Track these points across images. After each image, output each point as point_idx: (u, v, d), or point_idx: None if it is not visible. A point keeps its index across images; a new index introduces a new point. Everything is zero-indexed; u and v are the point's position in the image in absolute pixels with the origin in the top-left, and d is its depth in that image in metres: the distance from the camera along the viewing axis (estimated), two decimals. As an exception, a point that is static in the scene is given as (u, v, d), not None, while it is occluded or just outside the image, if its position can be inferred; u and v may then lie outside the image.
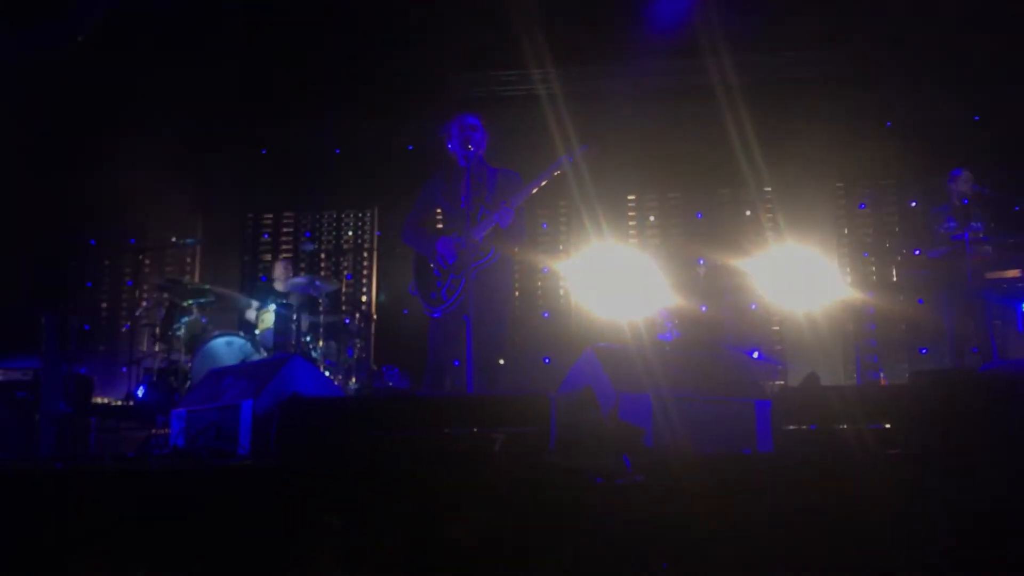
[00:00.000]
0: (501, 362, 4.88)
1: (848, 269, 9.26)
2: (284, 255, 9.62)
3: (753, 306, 8.77)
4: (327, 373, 7.34)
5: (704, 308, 8.24)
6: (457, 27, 7.96)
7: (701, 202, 9.63)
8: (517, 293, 9.38)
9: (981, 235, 6.85)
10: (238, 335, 7.39)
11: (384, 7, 7.98)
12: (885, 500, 2.55)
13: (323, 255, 10.09)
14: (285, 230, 10.23)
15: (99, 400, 7.57)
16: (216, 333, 7.34)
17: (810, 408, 4.09)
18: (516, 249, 4.96)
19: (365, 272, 10.02)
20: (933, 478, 2.65)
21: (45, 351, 5.78)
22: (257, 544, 2.67)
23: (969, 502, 2.55)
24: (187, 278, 8.99)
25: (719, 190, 9.54)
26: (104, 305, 10.09)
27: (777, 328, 9.07)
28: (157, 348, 7.81)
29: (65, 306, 8.48)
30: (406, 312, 8.98)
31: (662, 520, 2.54)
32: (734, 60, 8.39)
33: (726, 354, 5.47)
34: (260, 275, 9.78)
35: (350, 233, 10.15)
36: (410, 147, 9.40)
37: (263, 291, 8.25)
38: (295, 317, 7.52)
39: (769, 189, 9.15)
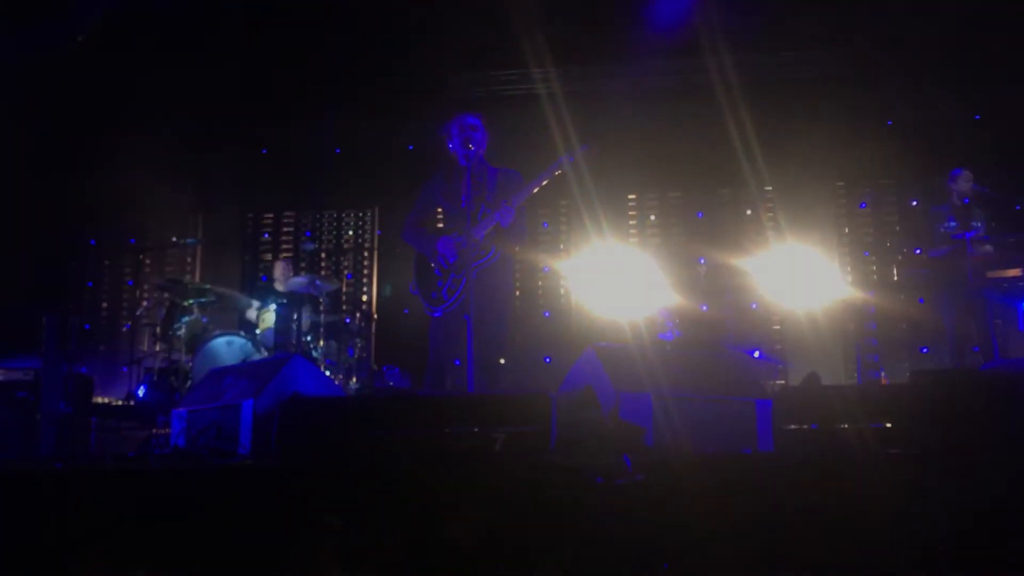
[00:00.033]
0: (502, 361, 4.89)
1: (849, 268, 9.26)
2: (284, 255, 9.62)
3: (754, 305, 8.77)
4: (328, 373, 7.34)
5: (705, 307, 8.24)
6: (457, 27, 7.96)
7: (702, 201, 9.63)
8: (518, 292, 9.38)
9: (982, 234, 6.86)
10: (239, 335, 7.39)
11: (384, 7, 7.98)
12: (885, 500, 2.55)
13: (323, 255, 10.09)
14: (285, 230, 10.23)
15: (100, 400, 7.57)
16: (217, 333, 7.34)
17: (811, 407, 4.08)
18: (517, 248, 4.96)
19: (366, 272, 10.02)
20: (933, 478, 2.65)
21: (45, 351, 5.77)
22: (257, 544, 2.67)
23: (969, 502, 2.55)
24: (188, 278, 9.00)
25: (720, 189, 9.55)
26: (105, 305, 10.10)
27: (778, 327, 9.07)
28: (158, 348, 7.82)
29: (66, 306, 8.50)
30: (407, 312, 8.98)
31: (663, 520, 2.54)
32: (734, 60, 8.39)
33: (727, 353, 5.46)
34: (261, 275, 9.79)
35: (350, 233, 10.15)
36: (410, 147, 9.41)
37: (264, 291, 8.25)
38: (296, 317, 7.52)
39: (770, 188, 9.15)
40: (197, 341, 7.32)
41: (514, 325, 7.02)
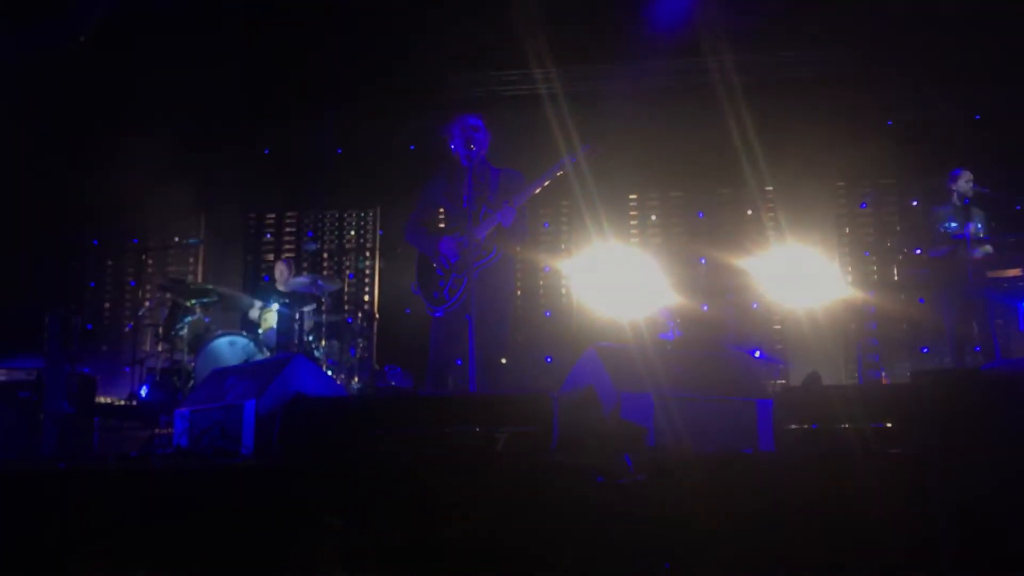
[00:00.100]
0: (503, 361, 4.90)
1: (849, 268, 9.26)
2: (286, 255, 9.63)
3: (755, 305, 8.78)
4: (330, 372, 7.36)
5: (706, 307, 8.25)
6: (457, 27, 7.97)
7: (702, 201, 9.64)
8: (519, 292, 9.39)
9: (982, 234, 6.86)
10: (241, 335, 7.40)
11: (384, 7, 7.98)
12: (885, 500, 2.55)
13: (325, 254, 10.10)
14: (287, 230, 10.24)
15: (102, 400, 7.57)
16: (219, 333, 7.35)
17: (812, 407, 4.08)
18: (518, 248, 4.97)
19: (367, 271, 10.03)
20: (933, 478, 2.66)
21: (48, 351, 5.78)
22: (259, 544, 2.68)
23: (969, 502, 2.55)
24: (190, 278, 9.02)
25: (720, 189, 9.55)
26: (107, 305, 10.10)
27: (779, 327, 9.07)
28: (160, 348, 7.83)
29: (68, 306, 8.48)
30: (408, 311, 8.99)
31: (664, 520, 2.55)
32: (735, 60, 8.41)
33: (728, 353, 5.47)
34: (263, 275, 9.79)
35: (352, 232, 10.16)
36: (412, 147, 9.42)
37: (266, 290, 8.26)
38: (298, 317, 7.53)
39: (770, 188, 9.16)
40: (199, 341, 7.32)
41: (515, 325, 7.04)
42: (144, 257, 8.88)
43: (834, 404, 4.01)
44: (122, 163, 8.24)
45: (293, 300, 7.69)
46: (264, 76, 8.73)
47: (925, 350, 8.46)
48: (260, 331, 7.62)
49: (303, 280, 7.71)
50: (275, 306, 7.62)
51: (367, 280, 10.00)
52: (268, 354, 7.30)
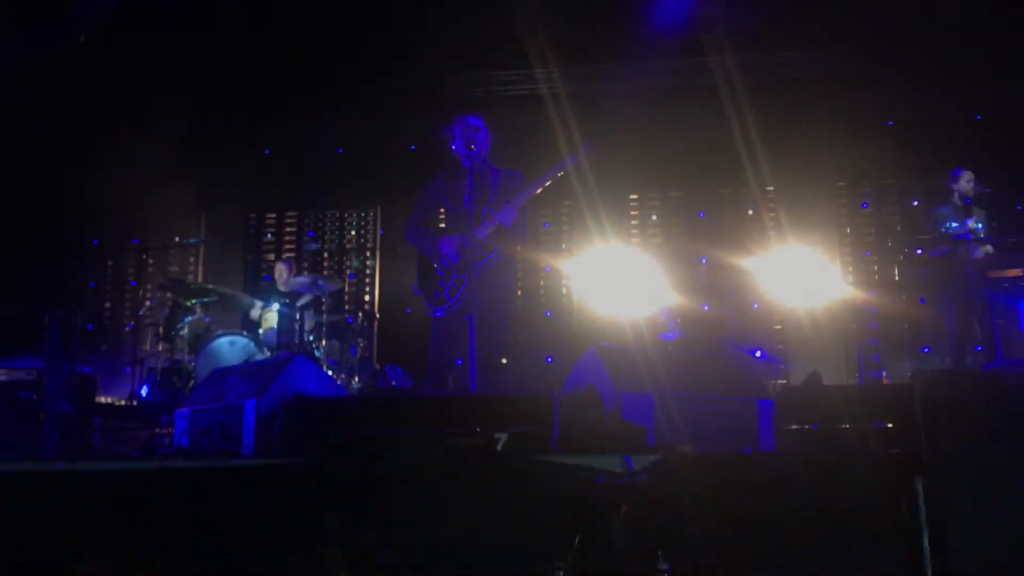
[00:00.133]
0: (504, 361, 4.90)
1: (850, 268, 9.26)
2: (287, 255, 9.63)
3: (755, 305, 8.77)
4: (330, 372, 7.35)
5: (706, 307, 8.25)
6: (457, 27, 7.96)
7: (703, 201, 9.64)
8: (520, 292, 9.38)
9: (983, 234, 6.86)
10: (241, 335, 7.40)
11: (384, 7, 7.98)
12: (886, 500, 2.55)
13: (325, 254, 10.10)
14: (288, 229, 10.24)
15: (103, 400, 7.57)
16: (219, 332, 7.35)
17: (812, 407, 4.08)
18: (519, 248, 4.97)
19: (368, 271, 10.03)
20: (934, 478, 2.66)
21: (48, 351, 5.78)
22: (260, 543, 2.68)
23: (969, 502, 2.55)
24: (190, 278, 9.02)
25: (721, 189, 9.55)
26: (107, 305, 10.11)
27: (779, 327, 9.06)
28: (160, 348, 7.83)
29: (68, 306, 8.47)
30: (409, 311, 8.98)
31: (664, 520, 2.55)
32: (735, 60, 8.41)
33: (728, 353, 5.47)
34: (263, 275, 9.79)
35: (352, 232, 10.16)
36: (412, 147, 9.42)
37: (266, 290, 8.26)
38: (298, 316, 7.53)
39: (771, 188, 9.16)
40: (200, 341, 7.32)
41: (516, 325, 7.02)
42: (144, 257, 8.88)
43: (835, 404, 4.01)
44: (122, 163, 8.24)
45: (293, 300, 7.69)
46: (264, 76, 8.72)
47: (926, 350, 8.45)
48: (260, 331, 7.62)
49: (303, 280, 7.71)
50: (275, 306, 7.62)
51: (367, 280, 10.00)
52: (268, 354, 7.29)
